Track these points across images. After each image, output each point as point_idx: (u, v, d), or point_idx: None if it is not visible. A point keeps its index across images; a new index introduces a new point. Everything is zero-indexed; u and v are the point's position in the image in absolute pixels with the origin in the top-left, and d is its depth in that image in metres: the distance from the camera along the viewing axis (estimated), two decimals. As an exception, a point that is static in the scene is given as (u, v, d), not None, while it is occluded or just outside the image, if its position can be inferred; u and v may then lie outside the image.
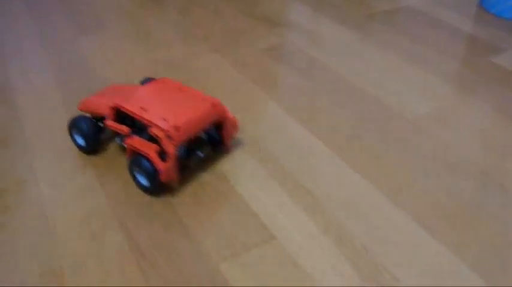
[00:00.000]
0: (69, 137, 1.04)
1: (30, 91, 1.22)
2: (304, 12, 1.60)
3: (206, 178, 0.91)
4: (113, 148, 1.01)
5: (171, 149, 0.83)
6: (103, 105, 0.95)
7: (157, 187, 0.86)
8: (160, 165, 0.83)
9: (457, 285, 0.71)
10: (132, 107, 0.88)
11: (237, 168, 0.93)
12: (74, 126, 0.96)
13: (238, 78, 1.23)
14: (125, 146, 0.89)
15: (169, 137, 0.83)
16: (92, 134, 0.95)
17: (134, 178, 0.89)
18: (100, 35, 1.50)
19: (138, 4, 1.73)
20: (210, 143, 0.95)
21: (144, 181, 0.88)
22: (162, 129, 0.83)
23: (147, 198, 0.87)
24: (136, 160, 0.86)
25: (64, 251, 0.78)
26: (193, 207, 0.85)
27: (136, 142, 0.86)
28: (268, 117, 1.08)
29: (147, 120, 0.85)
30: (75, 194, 0.89)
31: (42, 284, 0.73)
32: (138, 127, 0.91)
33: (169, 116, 0.85)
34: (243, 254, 0.75)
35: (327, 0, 1.69)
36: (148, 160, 0.84)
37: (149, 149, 0.84)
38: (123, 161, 0.97)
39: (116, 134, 0.98)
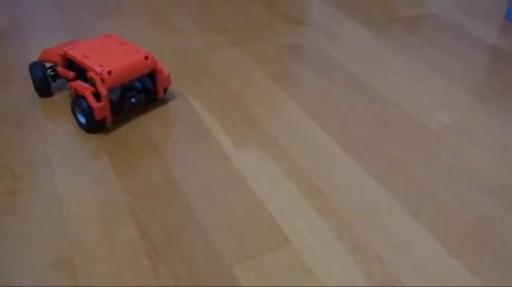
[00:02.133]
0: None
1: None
2: (326, 10, 1.58)
3: (221, 173, 0.90)
4: (131, 134, 1.00)
5: (103, 90, 0.97)
6: (56, 54, 1.08)
7: (93, 124, 0.99)
8: (94, 103, 0.97)
9: (472, 304, 0.70)
10: (76, 54, 1.02)
11: (254, 166, 0.92)
12: (29, 71, 1.10)
13: (257, 74, 1.21)
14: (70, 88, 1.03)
15: (102, 79, 0.97)
16: (40, 78, 1.09)
17: (76, 118, 1.02)
18: (118, 20, 1.49)
19: None
20: (144, 92, 1.06)
21: (82, 119, 1.00)
22: (97, 73, 0.97)
23: (163, 192, 0.86)
24: (76, 100, 0.99)
25: (75, 239, 0.78)
26: (208, 205, 0.84)
27: (77, 85, 1.00)
28: (286, 116, 1.06)
29: (86, 65, 0.99)
30: (88, 181, 0.88)
31: (52, 272, 0.72)
32: (84, 75, 1.02)
33: (105, 62, 0.99)
34: (257, 257, 0.74)
35: (349, 0, 1.67)
36: (85, 99, 0.97)
37: (86, 90, 0.98)
38: (140, 149, 0.96)
39: (67, 81, 1.06)
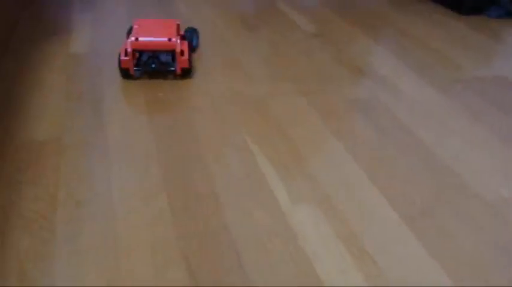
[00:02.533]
0: (150, 157, 1.08)
1: (118, 101, 1.27)
2: (391, 63, 1.59)
3: (273, 225, 0.92)
4: (192, 178, 1.03)
5: (129, 48, 1.35)
6: None
7: (121, 71, 1.39)
8: (122, 55, 1.36)
9: None
10: (136, 23, 1.45)
11: (306, 222, 0.93)
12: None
13: (320, 127, 1.23)
14: None
15: (131, 42, 1.35)
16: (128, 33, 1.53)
17: None
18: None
19: (233, 30, 1.77)
20: (167, 64, 1.40)
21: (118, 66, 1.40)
22: (131, 37, 1.36)
23: (215, 238, 0.89)
24: (119, 52, 1.38)
25: (126, 275, 0.81)
26: (257, 257, 0.86)
27: (126, 42, 1.38)
28: (345, 174, 1.07)
29: (132, 31, 1.40)
30: (146, 219, 0.92)
31: (103, 306, 0.76)
32: None
33: (142, 33, 1.38)
34: (299, 318, 0.75)
35: (416, 54, 1.67)
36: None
37: (123, 46, 1.37)
38: (199, 197, 0.99)
39: None
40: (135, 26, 1.42)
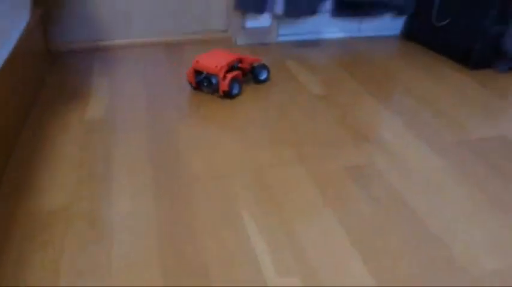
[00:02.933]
0: (150, 229, 1.13)
1: (127, 172, 1.34)
2: (395, 127, 1.63)
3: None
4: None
5: (191, 68, 1.79)
6: None
7: (188, 82, 1.87)
8: (186, 72, 1.85)
9: None
10: (210, 51, 1.86)
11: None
12: None
13: (315, 197, 1.27)
14: None
15: (194, 62, 1.77)
16: None
17: None
18: (195, 121, 1.61)
19: (246, 95, 1.85)
20: (216, 85, 1.75)
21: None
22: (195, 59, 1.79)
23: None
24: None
25: None
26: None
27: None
28: (333, 249, 1.10)
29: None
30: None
31: None
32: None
33: (204, 58, 1.78)
34: None
35: (420, 115, 1.70)
36: None
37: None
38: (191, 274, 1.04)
39: None
40: (206, 53, 1.82)
